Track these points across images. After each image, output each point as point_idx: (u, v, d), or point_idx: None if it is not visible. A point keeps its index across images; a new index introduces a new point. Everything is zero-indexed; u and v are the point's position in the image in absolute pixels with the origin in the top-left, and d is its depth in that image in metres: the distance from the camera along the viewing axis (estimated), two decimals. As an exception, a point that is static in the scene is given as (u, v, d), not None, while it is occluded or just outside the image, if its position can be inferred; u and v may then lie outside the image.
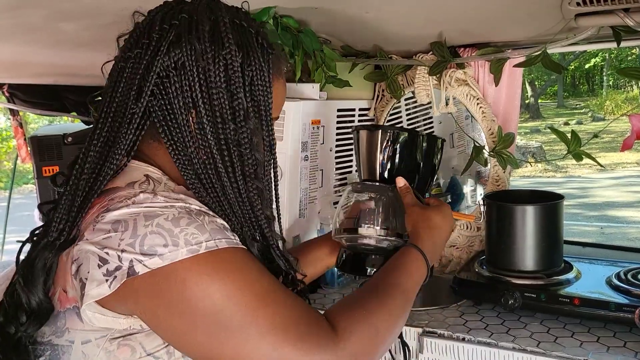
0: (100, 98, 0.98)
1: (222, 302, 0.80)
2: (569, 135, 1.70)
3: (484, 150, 1.91)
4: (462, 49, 1.90)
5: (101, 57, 2.07)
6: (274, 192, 1.01)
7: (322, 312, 0.92)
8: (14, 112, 2.83)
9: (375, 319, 0.91)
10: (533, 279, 1.62)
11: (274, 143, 0.98)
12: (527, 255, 1.65)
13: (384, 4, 1.62)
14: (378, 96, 2.11)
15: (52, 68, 2.11)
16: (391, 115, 2.14)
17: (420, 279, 1.10)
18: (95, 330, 0.84)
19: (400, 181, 1.27)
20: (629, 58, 18.06)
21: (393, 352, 1.49)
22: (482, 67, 1.89)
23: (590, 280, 1.63)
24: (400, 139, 1.31)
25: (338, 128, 1.97)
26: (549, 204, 1.67)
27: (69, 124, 3.39)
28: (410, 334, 1.60)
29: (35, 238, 0.92)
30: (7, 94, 2.57)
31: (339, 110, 1.97)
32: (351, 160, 2.06)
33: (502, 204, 1.70)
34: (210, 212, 0.88)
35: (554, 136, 1.72)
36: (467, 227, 1.98)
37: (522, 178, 10.49)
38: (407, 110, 2.26)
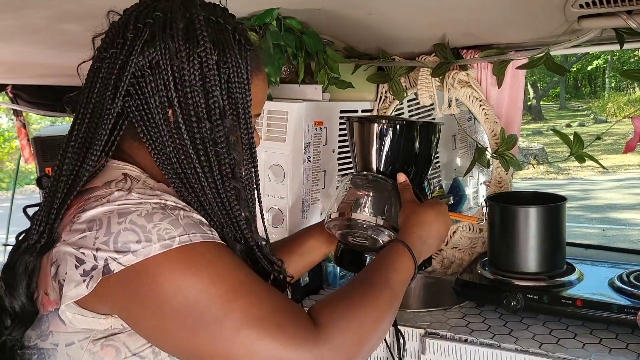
0: (73, 95, 0.97)
1: (196, 296, 0.79)
2: (571, 137, 1.70)
3: (486, 152, 1.91)
4: (464, 50, 1.90)
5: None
6: (255, 192, 0.99)
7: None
8: (17, 113, 2.84)
9: (359, 313, 0.89)
10: (535, 281, 1.62)
11: (253, 142, 0.96)
12: (530, 256, 1.65)
13: (387, 6, 1.62)
14: (381, 97, 2.11)
15: (55, 69, 2.11)
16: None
17: (408, 274, 1.06)
18: (78, 332, 0.84)
19: (401, 177, 1.25)
20: (631, 60, 18.03)
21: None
22: (485, 69, 1.90)
23: (592, 282, 1.63)
24: (394, 129, 1.28)
25: (341, 129, 1.97)
26: (551, 205, 1.68)
27: (69, 124, 3.40)
28: (413, 335, 1.60)
29: (17, 241, 0.91)
30: (10, 95, 2.58)
31: (341, 111, 1.97)
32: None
33: (504, 205, 1.71)
34: (187, 208, 0.87)
35: (556, 138, 1.72)
36: (470, 229, 1.98)
37: (524, 180, 10.48)
38: (409, 111, 2.26)
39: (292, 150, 1.80)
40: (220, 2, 1.00)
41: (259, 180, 0.99)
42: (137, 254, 0.79)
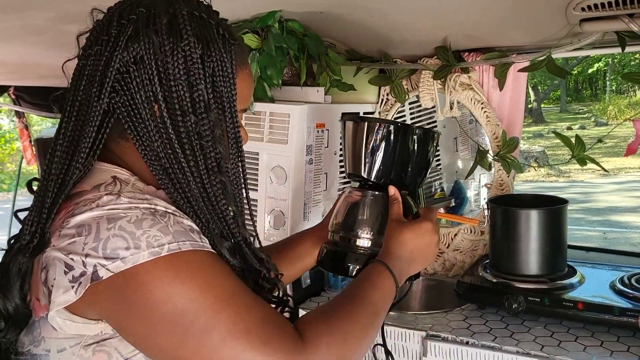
0: (59, 94, 0.96)
1: (184, 306, 0.79)
2: (572, 140, 1.70)
3: (488, 155, 1.91)
4: (466, 53, 1.91)
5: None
6: (243, 187, 0.97)
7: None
8: (19, 115, 2.84)
9: (343, 329, 0.89)
10: (537, 283, 1.62)
11: (239, 136, 0.94)
12: (531, 259, 1.65)
13: (388, 9, 1.63)
14: (382, 100, 2.11)
15: (58, 70, 2.11)
16: (395, 119, 2.14)
17: (389, 293, 1.04)
18: (69, 337, 0.83)
19: (391, 189, 1.21)
20: (632, 63, 18.05)
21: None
22: (487, 72, 1.90)
23: (593, 285, 1.63)
24: (389, 132, 1.23)
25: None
26: (553, 208, 1.68)
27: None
28: (414, 338, 1.60)
29: (9, 244, 0.91)
30: (13, 96, 2.59)
31: (343, 114, 1.97)
32: (355, 164, 2.06)
33: (506, 208, 1.71)
34: (177, 213, 0.86)
35: (557, 141, 1.72)
36: (471, 231, 1.98)
37: (525, 183, 10.48)
38: (411, 114, 2.26)
39: (294, 152, 1.80)
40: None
41: (246, 175, 0.97)
42: (125, 261, 0.78)
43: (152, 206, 0.84)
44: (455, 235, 2.01)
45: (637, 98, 19.74)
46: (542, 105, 20.27)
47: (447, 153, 2.44)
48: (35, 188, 0.93)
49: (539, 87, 19.81)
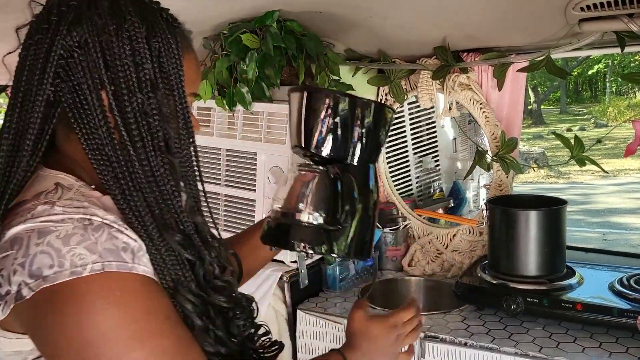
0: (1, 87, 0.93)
1: (94, 337, 0.73)
2: (572, 141, 1.70)
3: (486, 155, 1.91)
4: (465, 53, 1.90)
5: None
6: (195, 169, 0.92)
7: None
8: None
9: None
10: (535, 284, 1.62)
11: (189, 117, 0.91)
12: (530, 260, 1.65)
13: (387, 9, 1.62)
14: (381, 100, 2.11)
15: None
16: (394, 119, 2.14)
17: None
18: (9, 354, 0.81)
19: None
20: (632, 65, 18.04)
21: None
22: (486, 72, 1.89)
23: (592, 286, 1.62)
24: (335, 104, 1.17)
25: (341, 132, 1.97)
26: (551, 209, 1.67)
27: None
28: (412, 339, 1.60)
29: None
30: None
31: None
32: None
33: (505, 208, 1.70)
34: (116, 225, 0.79)
35: (557, 142, 1.72)
36: (470, 232, 1.98)
37: (525, 184, 10.47)
38: (410, 114, 2.26)
39: (292, 152, 1.79)
40: None
41: (198, 156, 0.92)
42: (47, 280, 0.73)
43: (88, 217, 0.78)
44: (454, 236, 2.01)
45: (637, 99, 19.76)
46: (542, 107, 20.28)
47: (446, 154, 2.44)
48: None
49: (539, 89, 19.82)
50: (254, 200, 1.89)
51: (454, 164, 2.45)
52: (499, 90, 1.87)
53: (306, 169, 1.20)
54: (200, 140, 1.99)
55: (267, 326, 1.02)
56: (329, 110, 1.16)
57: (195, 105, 1.99)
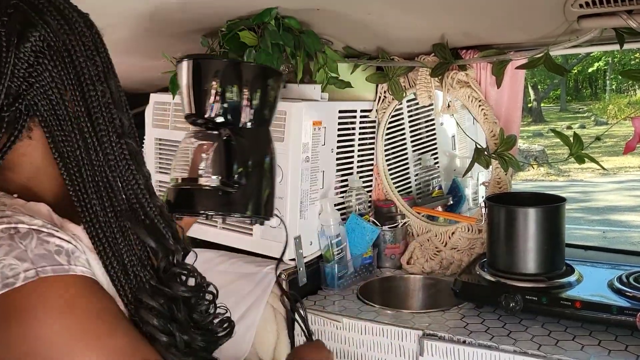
0: None
1: (39, 347, 0.71)
2: (571, 138, 1.69)
3: (485, 153, 1.90)
4: (464, 50, 1.90)
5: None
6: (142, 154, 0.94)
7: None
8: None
9: None
10: (534, 282, 1.61)
11: (127, 105, 0.92)
12: (529, 258, 1.64)
13: (386, 6, 1.62)
14: (380, 97, 2.10)
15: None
16: (393, 116, 2.14)
17: None
18: None
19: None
20: (632, 62, 18.03)
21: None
22: (484, 69, 1.89)
23: (591, 284, 1.62)
24: (223, 71, 1.22)
25: (339, 129, 1.97)
26: (550, 206, 1.67)
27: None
28: (411, 337, 1.60)
29: None
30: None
31: (340, 111, 1.96)
32: (352, 162, 2.06)
33: (503, 206, 1.70)
34: (46, 229, 0.76)
35: (557, 140, 1.72)
36: (468, 230, 1.98)
37: (524, 182, 10.47)
38: (409, 111, 2.26)
39: (290, 150, 1.79)
40: None
41: (142, 143, 0.95)
42: None
43: (13, 225, 0.75)
44: (453, 233, 2.00)
45: (637, 97, 19.75)
46: (542, 105, 20.27)
47: (445, 151, 2.43)
48: None
49: (539, 86, 19.81)
50: (252, 198, 1.88)
51: (453, 161, 2.45)
52: (498, 87, 1.87)
53: (200, 134, 1.26)
54: (198, 138, 1.99)
55: (225, 306, 1.00)
56: (217, 77, 1.22)
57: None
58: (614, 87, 21.75)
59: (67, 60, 0.85)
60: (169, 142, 2.11)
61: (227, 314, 0.99)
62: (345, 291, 1.90)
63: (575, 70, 20.80)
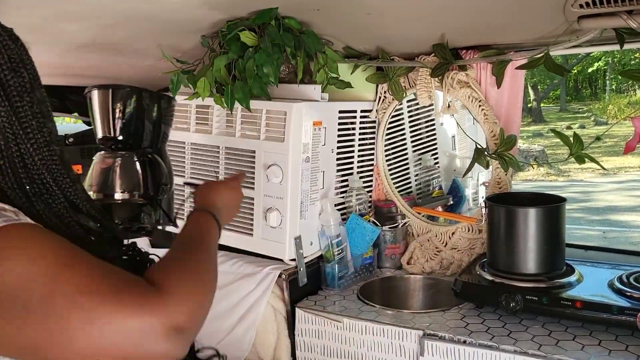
0: None
1: (16, 281, 0.75)
2: (571, 138, 1.69)
3: (485, 153, 1.90)
4: (464, 51, 1.90)
5: (103, 58, 2.08)
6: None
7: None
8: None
9: (190, 271, 0.91)
10: (535, 282, 1.61)
11: (52, 113, 1.01)
12: (529, 258, 1.64)
13: (385, 6, 1.62)
14: (380, 98, 2.10)
15: (54, 68, 2.11)
16: (393, 117, 2.14)
17: (216, 237, 1.14)
18: None
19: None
20: (632, 62, 18.03)
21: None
22: (484, 69, 1.89)
23: (592, 284, 1.62)
24: (127, 99, 1.47)
25: (340, 130, 1.97)
26: (551, 206, 1.67)
27: (70, 124, 3.40)
28: (411, 337, 1.60)
29: None
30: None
31: (340, 111, 1.97)
32: (352, 162, 2.06)
33: (504, 206, 1.70)
34: None
35: (557, 140, 1.72)
36: (469, 230, 1.98)
37: (524, 182, 10.47)
38: (409, 111, 2.26)
39: (290, 150, 1.79)
40: None
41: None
42: None
43: None
44: (453, 233, 2.00)
45: (637, 97, 19.75)
46: (542, 105, 20.27)
47: (445, 151, 2.43)
48: None
49: (539, 87, 19.81)
50: (252, 199, 1.88)
51: (453, 161, 2.45)
52: (498, 87, 1.87)
53: (111, 155, 1.48)
54: (199, 138, 1.99)
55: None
56: (123, 104, 1.47)
57: (194, 103, 1.99)
58: (613, 87, 21.75)
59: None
60: (169, 141, 2.09)
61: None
62: (345, 291, 1.90)
63: (575, 71, 20.80)
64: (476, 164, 1.93)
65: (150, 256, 1.05)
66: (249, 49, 1.71)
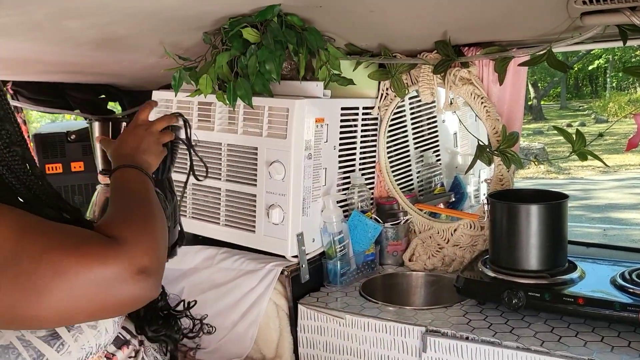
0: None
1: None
2: (573, 135, 1.69)
3: (487, 150, 1.90)
4: (466, 48, 1.90)
5: (105, 55, 2.07)
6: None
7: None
8: (17, 110, 2.83)
9: (140, 219, 0.96)
10: (537, 279, 1.62)
11: (15, 117, 1.03)
12: (531, 254, 1.65)
13: (388, 3, 1.62)
14: (382, 95, 2.10)
15: (56, 66, 2.11)
16: (395, 113, 2.14)
17: (150, 185, 1.15)
18: None
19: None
20: (633, 60, 18.02)
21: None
22: (487, 66, 1.89)
23: (594, 280, 1.62)
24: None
25: (342, 126, 1.97)
26: (553, 203, 1.67)
27: (72, 121, 3.40)
28: (414, 333, 1.60)
29: None
30: (11, 92, 2.57)
31: (342, 108, 1.97)
32: (354, 159, 2.06)
33: (506, 203, 1.70)
34: None
35: (557, 138, 1.73)
36: (471, 227, 1.98)
37: (525, 179, 10.47)
38: (411, 108, 2.26)
39: (293, 147, 1.79)
40: None
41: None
42: None
43: None
44: (455, 230, 2.00)
45: (638, 95, 19.74)
46: (542, 102, 20.26)
47: (447, 148, 2.43)
48: None
49: (539, 84, 19.80)
50: (254, 195, 1.88)
51: (455, 158, 2.44)
52: (500, 84, 1.87)
53: None
54: (201, 135, 1.99)
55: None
56: None
57: (196, 100, 1.99)
58: (614, 84, 21.74)
59: None
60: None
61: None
62: (347, 288, 1.91)
63: (576, 68, 20.76)
64: (478, 161, 1.94)
65: None
66: (251, 45, 1.71)
